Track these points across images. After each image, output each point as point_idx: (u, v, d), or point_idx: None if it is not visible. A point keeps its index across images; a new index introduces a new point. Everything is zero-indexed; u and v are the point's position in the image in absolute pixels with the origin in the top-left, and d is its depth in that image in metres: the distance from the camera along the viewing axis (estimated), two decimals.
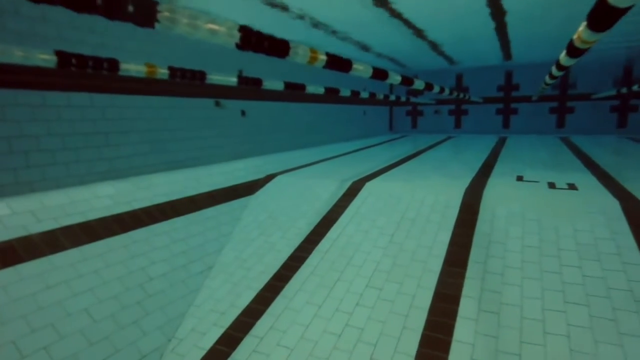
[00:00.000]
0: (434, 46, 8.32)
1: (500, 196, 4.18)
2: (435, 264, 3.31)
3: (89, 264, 3.10)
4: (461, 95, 8.43)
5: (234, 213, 4.79)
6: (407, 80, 4.13)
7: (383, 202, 4.48)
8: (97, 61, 2.66)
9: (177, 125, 5.17)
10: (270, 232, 4.31)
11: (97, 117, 4.14)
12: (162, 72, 2.97)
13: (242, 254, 4.01)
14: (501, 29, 7.01)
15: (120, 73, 2.88)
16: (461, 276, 3.12)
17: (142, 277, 3.26)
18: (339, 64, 2.52)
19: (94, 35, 4.00)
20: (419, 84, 4.78)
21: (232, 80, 3.54)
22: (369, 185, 4.96)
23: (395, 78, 3.73)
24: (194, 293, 3.45)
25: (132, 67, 2.80)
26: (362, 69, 2.86)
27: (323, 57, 2.31)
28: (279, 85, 4.25)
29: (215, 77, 3.39)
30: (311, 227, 4.25)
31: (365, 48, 8.77)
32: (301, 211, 4.66)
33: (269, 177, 5.87)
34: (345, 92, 6.23)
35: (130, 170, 4.51)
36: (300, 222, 4.41)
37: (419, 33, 7.04)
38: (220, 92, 5.90)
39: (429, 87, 5.26)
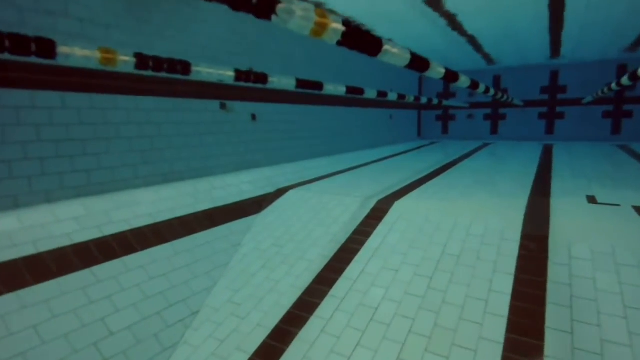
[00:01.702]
0: (472, 40, 7.30)
1: (576, 226, 3.16)
2: (495, 330, 2.36)
3: (26, 315, 2.35)
4: (505, 98, 7.34)
5: (233, 238, 3.98)
6: (451, 75, 3.22)
7: (417, 229, 3.54)
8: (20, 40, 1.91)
9: (174, 131, 4.44)
10: (275, 266, 3.46)
11: (71, 121, 3.44)
12: (126, 61, 2.20)
13: (236, 295, 3.18)
14: (557, 18, 5.93)
15: (59, 60, 2.13)
16: (538, 353, 2.15)
17: (98, 333, 2.49)
18: (359, 40, 1.67)
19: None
20: (464, 81, 3.83)
21: (228, 74, 2.76)
22: (398, 205, 4.03)
23: (438, 70, 2.83)
24: (167, 352, 2.64)
25: (77, 52, 2.03)
26: (396, 52, 1.99)
27: (339, 27, 1.47)
28: (289, 84, 3.45)
29: (204, 70, 2.60)
30: (325, 261, 3.37)
31: None
32: (314, 238, 3.79)
33: (280, 192, 5.04)
34: (370, 94, 5.36)
35: (113, 185, 3.79)
36: (312, 252, 3.54)
37: (455, 24, 6.07)
38: (227, 93, 5.15)
39: (474, 85, 4.30)
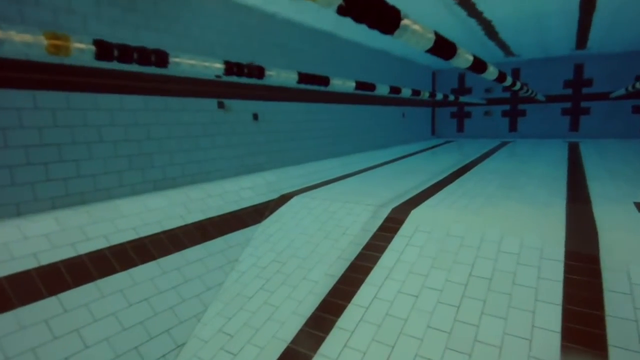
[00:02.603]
0: (489, 28, 6.73)
1: (631, 242, 2.63)
2: None
3: None
4: (529, 92, 6.75)
5: (230, 252, 3.55)
6: (478, 64, 2.72)
7: (438, 244, 3.05)
8: None
9: (165, 133, 4.03)
10: (274, 287, 3.02)
11: (44, 123, 3.06)
12: (81, 49, 1.76)
13: (229, 323, 2.74)
14: (588, 2, 5.34)
15: None
16: None
17: None
18: (369, 8, 1.21)
19: None
20: (491, 72, 3.31)
21: (215, 66, 2.32)
22: (415, 215, 3.55)
23: (465, 57, 2.33)
24: None
25: (14, 37, 1.61)
26: (418, 30, 1.52)
27: None
28: (290, 78, 3.00)
29: (185, 61, 2.17)
30: (332, 282, 2.91)
31: None
32: (319, 253, 3.33)
33: (283, 199, 4.60)
34: (382, 90, 4.87)
35: (95, 195, 3.40)
36: (317, 271, 3.08)
37: (474, 11, 5.52)
38: (225, 91, 4.73)
39: (501, 77, 3.78)
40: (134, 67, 3.70)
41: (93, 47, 1.79)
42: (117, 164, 3.59)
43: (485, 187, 4.56)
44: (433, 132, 12.50)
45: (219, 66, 2.37)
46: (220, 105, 4.70)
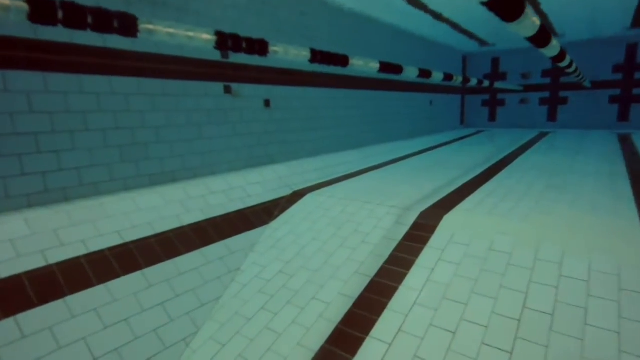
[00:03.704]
0: (534, 5, 5.90)
1: None
2: None
3: None
4: (581, 77, 5.91)
5: (231, 260, 3.09)
6: (543, 35, 2.08)
7: (479, 262, 2.47)
8: None
9: (162, 120, 3.58)
10: (279, 307, 2.53)
11: (18, 108, 2.64)
12: (8, 6, 1.28)
13: (222, 352, 2.28)
14: None
15: None
16: None
17: None
18: None
19: None
20: (554, 47, 2.64)
21: (203, 38, 1.81)
22: (449, 220, 2.97)
23: (531, 20, 1.71)
24: None
25: None
26: None
27: None
28: (301, 56, 2.46)
29: (161, 30, 1.67)
30: (347, 305, 2.39)
31: (438, 17, 6.62)
32: (334, 266, 2.82)
33: (295, 196, 4.09)
34: (410, 72, 4.24)
35: (79, 191, 2.99)
36: (330, 289, 2.57)
37: None
38: (233, 74, 4.23)
39: (561, 55, 3.09)
40: (125, 45, 3.24)
41: (25, 5, 1.31)
42: (106, 156, 3.17)
43: (531, 187, 3.90)
44: (462, 122, 11.65)
45: (207, 37, 1.86)
46: (227, 90, 4.20)
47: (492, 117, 11.29)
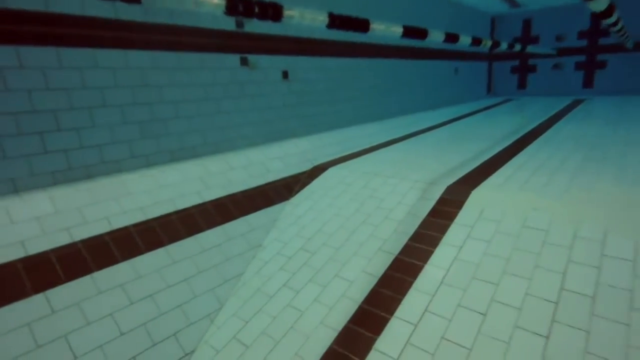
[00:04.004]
0: None
1: None
2: None
3: None
4: (624, 37, 5.40)
5: (252, 236, 3.07)
6: None
7: (512, 239, 2.34)
8: None
9: (180, 95, 3.50)
10: (301, 284, 2.50)
11: (34, 85, 2.61)
12: None
13: (245, 329, 2.29)
14: None
15: None
16: None
17: None
18: None
19: None
20: (601, 1, 2.35)
21: (215, 2, 1.67)
22: (477, 195, 2.82)
23: None
24: None
25: None
26: None
27: None
28: (318, 20, 2.28)
29: None
30: (370, 284, 2.33)
31: None
32: (356, 242, 2.75)
33: (316, 171, 4.01)
34: (435, 37, 3.94)
35: (102, 168, 2.99)
36: (353, 267, 2.52)
37: None
38: (248, 45, 4.07)
39: (608, 10, 2.76)
40: (137, 16, 3.13)
41: None
42: (126, 132, 3.14)
43: (566, 159, 3.65)
44: (489, 90, 11.08)
45: (216, 1, 1.72)
46: (244, 62, 4.05)
47: (522, 85, 10.67)
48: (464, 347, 1.80)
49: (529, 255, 2.20)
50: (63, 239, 2.32)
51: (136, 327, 2.16)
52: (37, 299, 2.03)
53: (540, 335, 1.74)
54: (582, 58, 9.60)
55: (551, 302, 1.89)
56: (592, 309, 1.80)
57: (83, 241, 2.37)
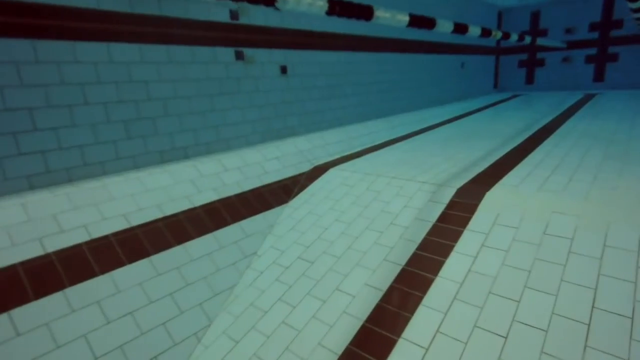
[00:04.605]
0: None
1: None
2: None
3: None
4: None
5: (246, 244, 2.84)
6: None
7: (533, 248, 2.09)
8: None
9: (170, 91, 3.27)
10: (297, 299, 2.27)
11: (7, 81, 2.39)
12: None
13: (234, 351, 2.06)
14: None
15: None
16: None
17: None
18: None
19: None
20: None
21: None
22: (492, 198, 2.57)
23: None
24: None
25: None
26: None
27: None
28: (316, 6, 2.04)
29: None
30: (375, 299, 2.09)
31: None
32: (359, 250, 2.50)
33: (317, 172, 3.77)
34: (443, 27, 3.69)
35: (83, 171, 2.78)
36: (355, 279, 2.28)
37: None
38: (244, 38, 3.83)
39: None
40: (122, 6, 2.90)
41: None
42: (110, 132, 2.92)
43: (585, 157, 3.38)
44: (495, 85, 10.77)
45: None
46: (239, 56, 3.82)
47: (530, 80, 10.35)
48: None
49: (553, 267, 1.95)
50: (34, 251, 2.10)
51: (112, 350, 1.94)
52: (1, 320, 1.81)
53: None
54: (592, 51, 9.27)
55: (583, 323, 1.64)
56: (630, 331, 1.56)
57: (57, 252, 2.15)
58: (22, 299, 1.91)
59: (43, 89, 2.54)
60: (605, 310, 1.66)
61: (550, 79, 10.01)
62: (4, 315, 1.82)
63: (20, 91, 2.45)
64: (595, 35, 9.11)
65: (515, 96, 9.47)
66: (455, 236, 2.37)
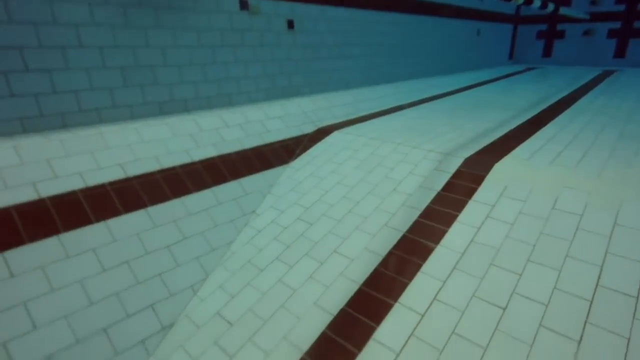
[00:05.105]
0: None
1: None
2: None
3: None
4: None
5: (245, 202, 2.79)
6: None
7: (539, 222, 2.03)
8: None
9: (169, 40, 3.09)
10: (295, 259, 2.24)
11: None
12: None
13: (231, 304, 2.06)
14: None
15: None
16: None
17: None
18: None
19: None
20: None
21: None
22: (500, 169, 2.48)
23: None
24: None
25: None
26: None
27: None
28: None
29: None
30: (373, 264, 2.06)
31: None
32: (360, 215, 2.45)
33: (320, 134, 3.66)
34: None
35: (80, 117, 2.67)
36: (354, 243, 2.24)
37: None
38: None
39: None
40: None
41: None
42: (106, 78, 2.78)
43: (600, 134, 3.26)
44: (511, 57, 10.35)
45: None
46: (244, 6, 3.59)
47: (547, 52, 9.92)
48: (477, 344, 1.55)
49: (559, 242, 1.89)
50: (28, 195, 2.05)
51: (108, 296, 1.94)
52: None
53: (571, 338, 1.48)
54: (616, 25, 8.81)
55: (585, 299, 1.61)
56: (634, 310, 1.52)
57: (51, 198, 2.09)
58: (16, 242, 1.87)
59: (33, 27, 2.38)
60: (610, 289, 1.62)
61: (568, 53, 9.59)
62: None
63: (11, 28, 2.29)
64: (621, 7, 8.62)
65: (530, 69, 9.12)
66: (460, 206, 2.31)
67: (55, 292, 1.84)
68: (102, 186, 2.31)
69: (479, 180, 2.47)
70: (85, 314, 1.85)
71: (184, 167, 2.73)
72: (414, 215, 2.33)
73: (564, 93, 5.58)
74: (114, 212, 2.24)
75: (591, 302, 1.59)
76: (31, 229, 1.96)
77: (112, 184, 2.35)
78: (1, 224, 1.90)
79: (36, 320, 1.74)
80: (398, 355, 1.60)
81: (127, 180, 2.42)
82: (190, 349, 1.86)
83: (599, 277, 1.67)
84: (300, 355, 1.69)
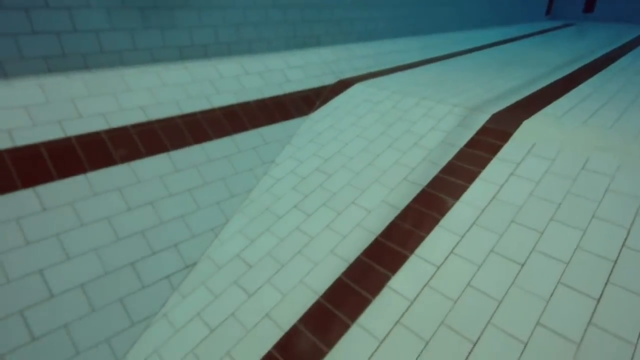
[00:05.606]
0: None
1: None
2: None
3: None
4: None
5: (265, 151, 2.79)
6: None
7: (566, 181, 1.98)
8: None
9: None
10: (312, 208, 2.27)
11: None
12: None
13: (249, 249, 2.12)
14: None
15: None
16: None
17: None
18: None
19: None
20: None
21: None
22: (529, 127, 2.39)
23: None
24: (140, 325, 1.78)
25: None
26: None
27: None
28: None
29: None
30: (391, 215, 2.07)
31: None
32: (379, 168, 2.43)
33: (341, 85, 3.55)
34: None
35: (101, 58, 2.64)
36: (372, 195, 2.24)
37: None
38: None
39: None
40: None
41: None
42: (125, 18, 2.70)
43: (639, 95, 3.06)
44: (548, 12, 9.60)
45: None
46: None
47: (589, 8, 9.16)
48: (492, 297, 1.57)
49: (586, 202, 1.84)
50: (55, 133, 2.09)
51: (134, 234, 2.02)
52: (27, 194, 1.86)
53: (591, 297, 1.48)
54: None
55: (609, 260, 1.59)
56: None
57: (77, 137, 2.13)
58: (46, 178, 1.94)
59: None
60: (637, 250, 1.59)
61: (613, 9, 8.83)
62: (29, 191, 1.87)
63: None
64: None
65: (568, 25, 8.48)
66: (483, 163, 2.25)
67: (85, 226, 1.92)
68: (124, 128, 2.33)
69: (505, 137, 2.39)
70: (114, 249, 1.95)
71: (203, 113, 2.71)
72: (435, 171, 2.29)
73: (603, 51, 5.20)
74: (137, 154, 2.27)
75: (615, 262, 1.57)
76: (59, 166, 2.02)
77: (134, 126, 2.36)
78: (31, 160, 1.96)
79: (69, 251, 1.84)
80: (412, 303, 1.64)
81: (149, 123, 2.43)
82: (212, 287, 1.95)
83: (625, 239, 1.64)
84: (316, 298, 1.76)
